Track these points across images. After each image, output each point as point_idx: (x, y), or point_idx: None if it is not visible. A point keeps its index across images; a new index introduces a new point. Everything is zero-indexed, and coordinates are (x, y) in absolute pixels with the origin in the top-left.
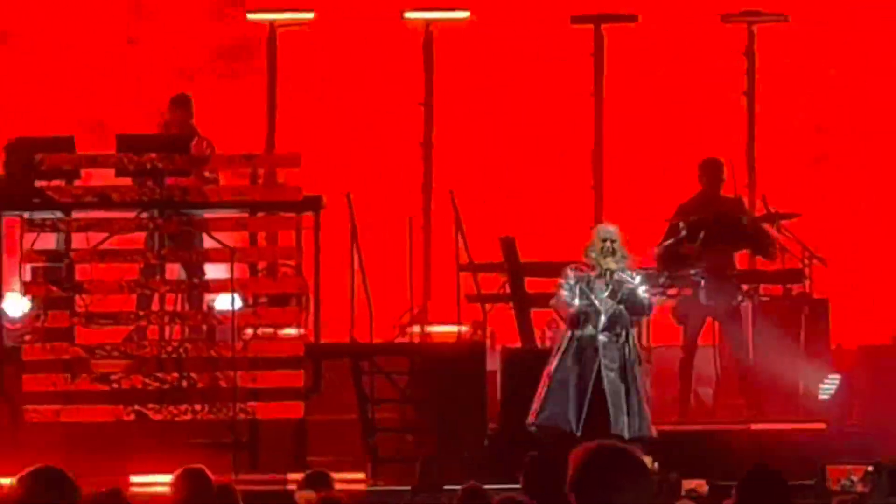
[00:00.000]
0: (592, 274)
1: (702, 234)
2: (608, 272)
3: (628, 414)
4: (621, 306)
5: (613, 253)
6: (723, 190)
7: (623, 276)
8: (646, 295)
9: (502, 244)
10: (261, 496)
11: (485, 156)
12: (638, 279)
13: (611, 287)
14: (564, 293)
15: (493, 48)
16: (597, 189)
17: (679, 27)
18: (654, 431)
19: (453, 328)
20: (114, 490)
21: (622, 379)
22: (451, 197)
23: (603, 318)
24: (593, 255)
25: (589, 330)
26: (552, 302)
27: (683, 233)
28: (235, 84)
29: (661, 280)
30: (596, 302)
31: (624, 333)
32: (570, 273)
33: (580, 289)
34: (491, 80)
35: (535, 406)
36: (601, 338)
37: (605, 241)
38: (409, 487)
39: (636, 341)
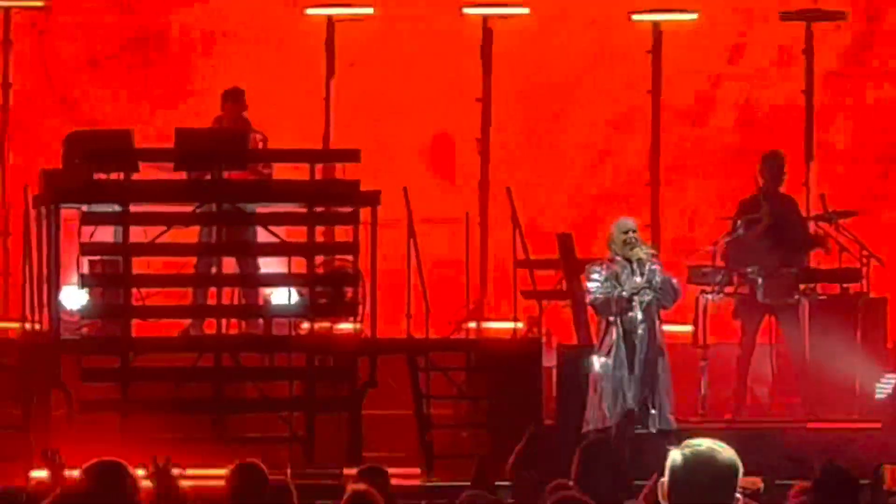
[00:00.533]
0: (615, 268)
1: (760, 228)
2: (637, 262)
3: (654, 407)
4: (655, 294)
5: (636, 243)
6: (783, 187)
7: (653, 264)
8: (675, 280)
9: (559, 240)
10: (316, 490)
11: (542, 152)
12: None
13: (645, 276)
14: (597, 286)
15: (551, 44)
16: (653, 186)
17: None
18: (674, 423)
19: (509, 325)
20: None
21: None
22: (508, 193)
23: (640, 306)
24: (616, 249)
25: (632, 315)
26: (590, 299)
27: (741, 231)
28: (292, 79)
29: (719, 278)
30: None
31: (657, 323)
32: (597, 268)
33: (611, 283)
34: (546, 76)
35: (596, 414)
36: (641, 328)
37: (626, 233)
38: (463, 483)
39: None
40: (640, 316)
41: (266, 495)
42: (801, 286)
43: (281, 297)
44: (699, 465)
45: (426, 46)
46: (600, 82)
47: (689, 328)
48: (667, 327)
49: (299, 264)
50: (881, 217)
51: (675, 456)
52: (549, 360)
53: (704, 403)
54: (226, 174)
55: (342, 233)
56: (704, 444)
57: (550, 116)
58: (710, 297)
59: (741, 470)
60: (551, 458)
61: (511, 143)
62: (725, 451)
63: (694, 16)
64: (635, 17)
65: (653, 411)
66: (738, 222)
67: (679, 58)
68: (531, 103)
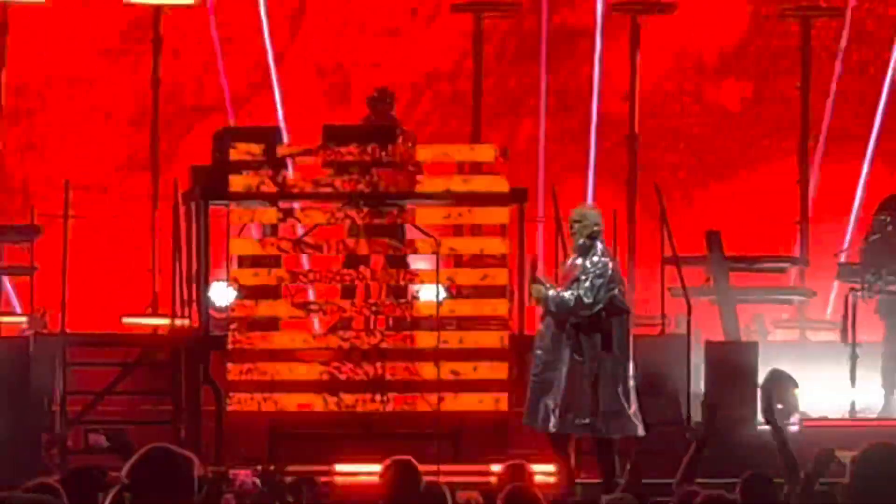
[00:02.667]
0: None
1: None
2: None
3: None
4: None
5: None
6: None
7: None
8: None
9: (707, 237)
10: (463, 487)
11: (690, 149)
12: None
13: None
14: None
15: (693, 40)
16: (802, 184)
17: None
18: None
19: (657, 321)
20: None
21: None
22: (656, 190)
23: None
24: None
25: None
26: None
27: (890, 227)
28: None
29: (868, 277)
30: None
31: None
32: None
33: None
34: (678, 72)
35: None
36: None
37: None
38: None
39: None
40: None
41: (420, 493)
42: None
43: (429, 293)
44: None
45: (564, 44)
46: (746, 77)
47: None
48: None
49: (447, 262)
50: None
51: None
52: (697, 357)
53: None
54: (374, 171)
55: (491, 230)
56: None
57: (698, 112)
58: (859, 294)
59: None
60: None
61: (659, 140)
62: None
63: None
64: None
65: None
66: (886, 218)
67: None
68: (676, 98)
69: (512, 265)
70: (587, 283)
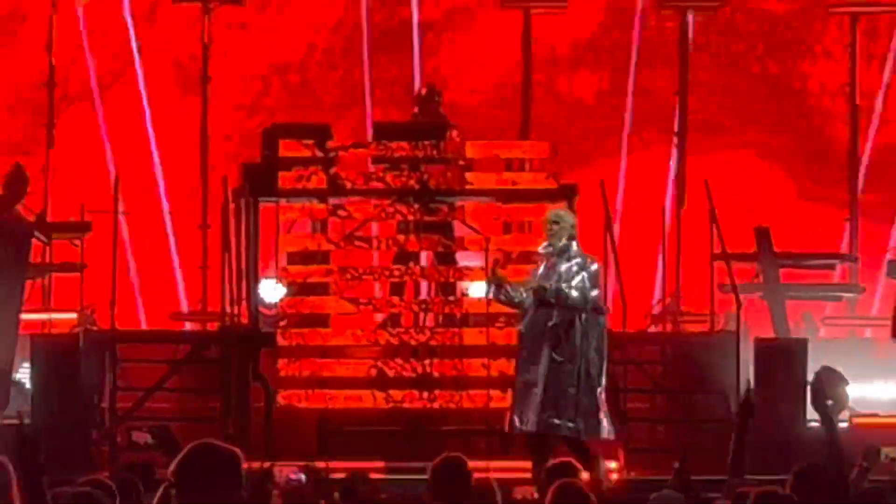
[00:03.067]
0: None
1: None
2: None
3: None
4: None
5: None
6: None
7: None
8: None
9: (757, 234)
10: (512, 484)
11: (739, 145)
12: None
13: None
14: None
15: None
16: (851, 181)
17: None
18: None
19: (706, 318)
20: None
21: None
22: (705, 186)
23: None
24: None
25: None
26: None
27: None
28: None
29: None
30: None
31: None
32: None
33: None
34: (749, 68)
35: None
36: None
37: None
38: (661, 478)
39: None
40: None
41: (469, 490)
42: None
43: (479, 289)
44: None
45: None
46: (801, 74)
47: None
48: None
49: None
50: None
51: None
52: (747, 354)
53: None
54: (424, 168)
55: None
56: None
57: (746, 108)
58: None
59: None
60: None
61: (707, 136)
62: None
63: None
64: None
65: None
66: None
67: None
68: (727, 95)
69: None
70: (582, 282)
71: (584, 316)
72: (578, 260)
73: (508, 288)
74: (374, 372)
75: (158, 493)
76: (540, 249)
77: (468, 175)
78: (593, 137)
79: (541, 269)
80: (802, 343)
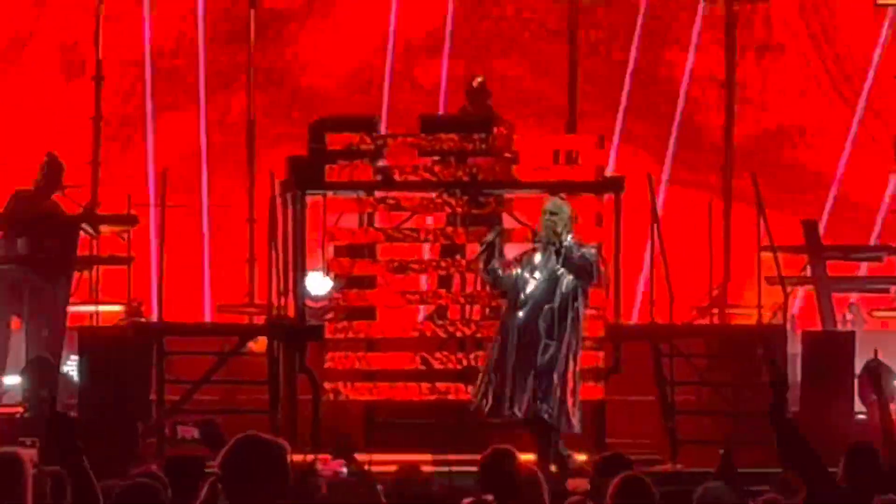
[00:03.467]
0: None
1: None
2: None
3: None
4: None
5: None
6: None
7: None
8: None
9: (804, 227)
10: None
11: (785, 138)
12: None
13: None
14: None
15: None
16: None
17: None
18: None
19: (753, 311)
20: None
21: None
22: (753, 179)
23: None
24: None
25: None
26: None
27: None
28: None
29: None
30: None
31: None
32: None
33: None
34: (795, 60)
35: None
36: None
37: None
38: (707, 470)
39: None
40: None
41: (518, 482)
42: None
43: None
44: None
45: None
46: (850, 66)
47: None
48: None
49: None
50: None
51: None
52: (794, 347)
53: None
54: (471, 161)
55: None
56: None
57: (791, 99)
58: None
59: None
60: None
61: (753, 129)
62: None
63: None
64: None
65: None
66: None
67: None
68: (772, 86)
69: (608, 254)
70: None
71: (577, 302)
72: (580, 245)
73: (496, 262)
74: (420, 364)
75: (206, 487)
76: (536, 241)
77: (516, 168)
78: None
79: (537, 258)
80: (850, 335)
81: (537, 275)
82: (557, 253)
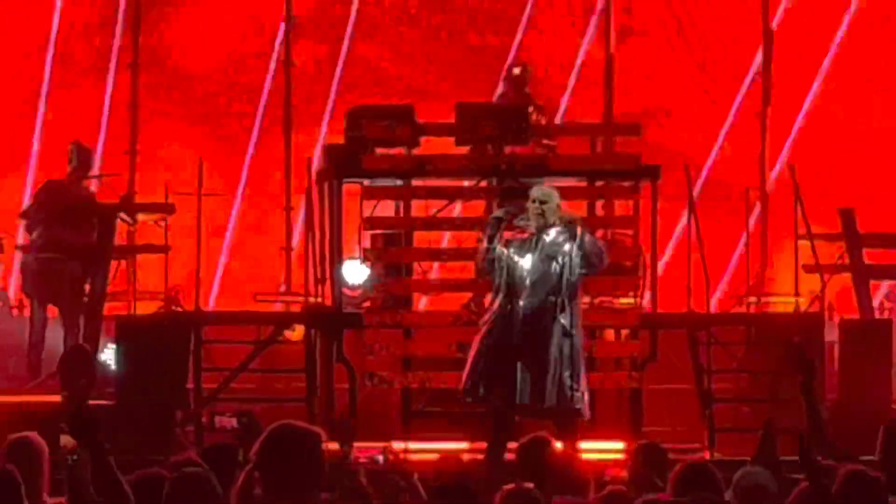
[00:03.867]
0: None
1: None
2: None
3: None
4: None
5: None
6: None
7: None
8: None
9: (841, 215)
10: (601, 463)
11: (823, 126)
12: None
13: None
14: None
15: (831, 19)
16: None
17: None
18: None
19: (791, 299)
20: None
21: None
22: (791, 171)
23: None
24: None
25: None
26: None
27: None
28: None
29: None
30: None
31: None
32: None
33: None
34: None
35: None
36: None
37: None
38: (745, 459)
39: None
40: None
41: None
42: None
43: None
44: None
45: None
46: (879, 53)
47: None
48: None
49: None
50: None
51: None
52: (832, 335)
53: None
54: (508, 149)
55: (624, 207)
56: None
57: (831, 89)
58: None
59: None
60: (835, 433)
61: (791, 118)
62: None
63: None
64: None
65: None
66: None
67: None
68: (811, 76)
69: (645, 242)
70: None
71: (578, 289)
72: (560, 228)
73: (497, 241)
74: (457, 351)
75: (242, 475)
76: (517, 222)
77: (552, 155)
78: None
79: (529, 244)
80: (887, 324)
81: (531, 261)
82: (573, 237)
